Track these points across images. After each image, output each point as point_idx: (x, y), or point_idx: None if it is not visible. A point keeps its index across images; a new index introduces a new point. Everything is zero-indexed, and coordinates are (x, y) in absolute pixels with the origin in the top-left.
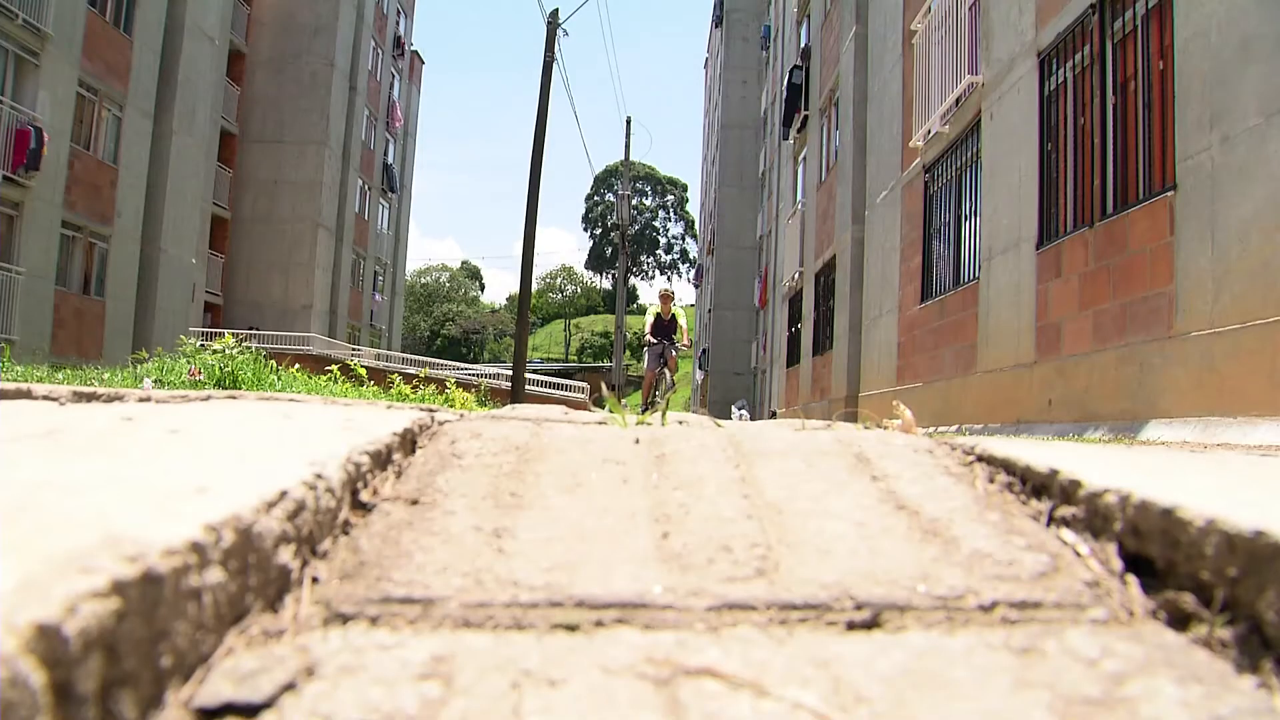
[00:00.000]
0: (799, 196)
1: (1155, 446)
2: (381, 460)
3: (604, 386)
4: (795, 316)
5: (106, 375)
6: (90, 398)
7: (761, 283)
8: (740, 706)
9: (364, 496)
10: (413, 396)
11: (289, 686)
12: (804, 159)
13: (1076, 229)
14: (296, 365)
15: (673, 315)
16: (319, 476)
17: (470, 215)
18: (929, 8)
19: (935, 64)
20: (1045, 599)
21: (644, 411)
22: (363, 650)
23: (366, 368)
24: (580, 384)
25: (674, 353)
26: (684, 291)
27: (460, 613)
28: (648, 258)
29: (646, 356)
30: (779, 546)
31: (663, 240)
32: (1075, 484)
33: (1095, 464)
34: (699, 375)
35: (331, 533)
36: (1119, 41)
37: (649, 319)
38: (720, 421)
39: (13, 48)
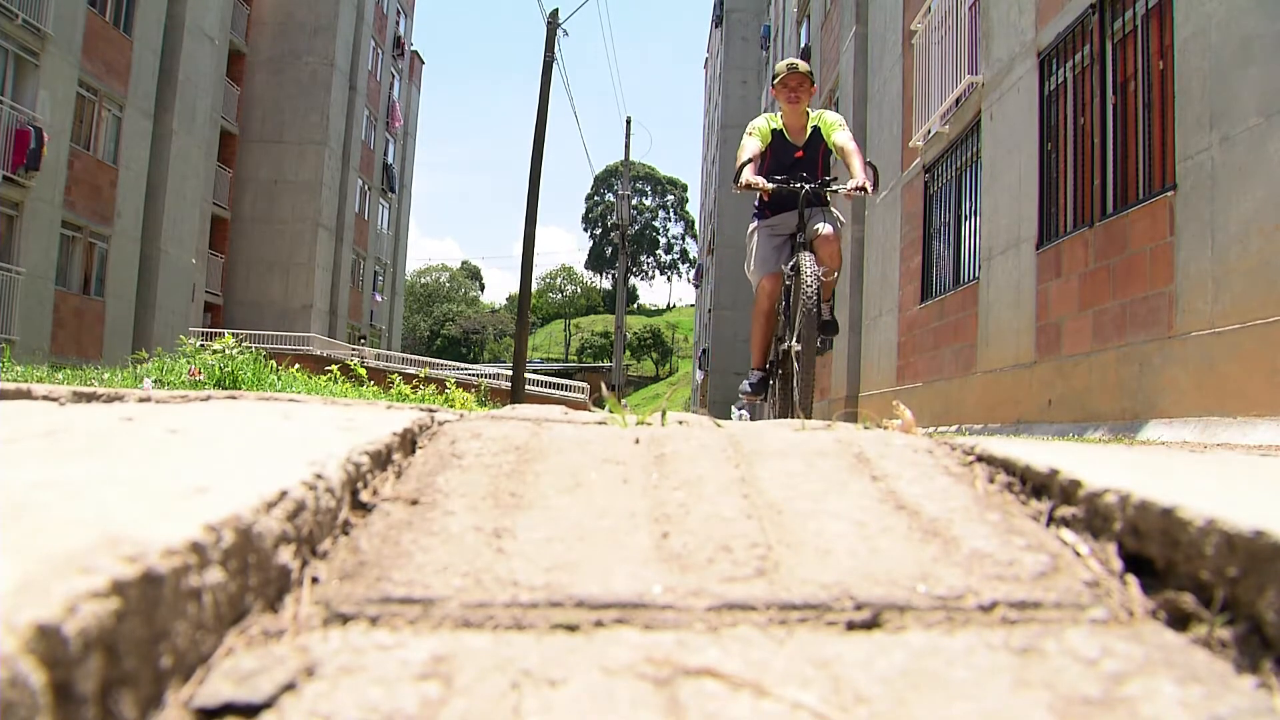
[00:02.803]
0: None
1: (1155, 446)
2: (381, 460)
3: (604, 386)
4: None
5: (106, 375)
6: (90, 398)
7: None
8: (740, 706)
9: (364, 496)
10: (413, 396)
11: (289, 687)
12: None
13: (1076, 229)
14: (296, 365)
15: (814, 129)
16: (319, 476)
17: (470, 215)
18: (929, 8)
19: (935, 64)
20: (1045, 599)
21: (756, 388)
22: (362, 650)
23: (366, 368)
24: (580, 384)
25: (830, 219)
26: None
27: (460, 613)
28: (648, 258)
29: (755, 244)
30: (779, 546)
31: (663, 240)
32: (1075, 484)
33: (1095, 464)
34: (699, 375)
35: (331, 533)
36: (1119, 41)
37: (749, 145)
38: (720, 421)
39: (13, 48)
